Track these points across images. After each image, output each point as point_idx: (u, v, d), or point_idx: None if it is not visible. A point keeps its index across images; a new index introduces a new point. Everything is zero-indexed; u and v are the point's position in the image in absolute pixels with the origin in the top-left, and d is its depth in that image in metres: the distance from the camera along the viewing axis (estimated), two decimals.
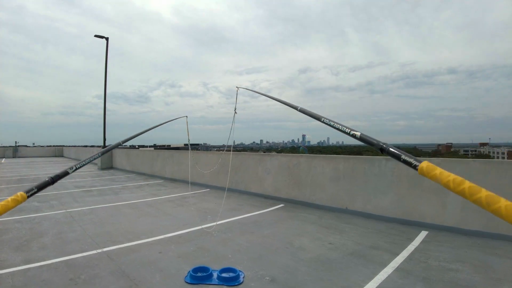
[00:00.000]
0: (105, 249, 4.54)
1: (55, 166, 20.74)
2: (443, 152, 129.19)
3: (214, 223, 5.61)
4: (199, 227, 5.58)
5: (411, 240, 4.91)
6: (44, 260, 4.12)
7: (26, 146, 43.45)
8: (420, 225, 5.60)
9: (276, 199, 7.96)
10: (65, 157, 32.84)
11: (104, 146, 18.77)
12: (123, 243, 4.80)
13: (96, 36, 18.24)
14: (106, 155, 18.13)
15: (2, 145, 37.24)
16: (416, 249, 4.50)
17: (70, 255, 4.31)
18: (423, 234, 5.21)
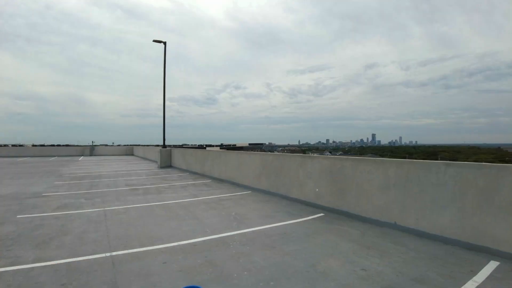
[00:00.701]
0: (114, 253, 4.34)
1: (120, 164, 22.03)
2: None
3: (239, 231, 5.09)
4: (218, 235, 5.07)
5: (474, 273, 3.70)
6: (52, 260, 4.09)
7: (106, 145, 47.83)
8: (491, 253, 4.28)
9: (316, 207, 7.07)
10: (135, 155, 35.10)
11: (164, 146, 19.36)
12: (135, 248, 4.54)
13: (154, 41, 18.83)
14: (166, 154, 18.70)
15: (83, 144, 41.28)
16: None
17: (78, 256, 4.21)
18: (492, 265, 3.92)
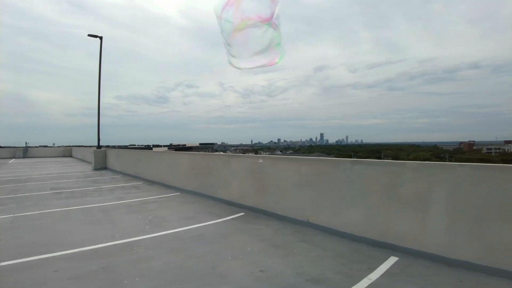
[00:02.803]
0: (3, 263, 3.95)
1: (54, 166, 20.61)
2: (466, 150, 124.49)
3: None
4: (127, 240, 4.89)
5: (371, 270, 3.76)
6: None
7: (45, 146, 44.31)
8: (393, 249, 4.41)
9: (240, 207, 7.06)
10: (73, 157, 32.92)
11: (99, 146, 18.42)
12: (31, 256, 4.21)
13: (89, 35, 17.84)
14: (100, 155, 17.78)
15: (14, 146, 37.91)
16: (372, 286, 3.40)
17: None
18: (391, 261, 4.02)
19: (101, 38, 18.03)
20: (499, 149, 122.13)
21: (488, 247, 3.67)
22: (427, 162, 4.53)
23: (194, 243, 4.78)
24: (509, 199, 3.56)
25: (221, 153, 9.39)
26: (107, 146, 18.58)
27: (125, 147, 45.27)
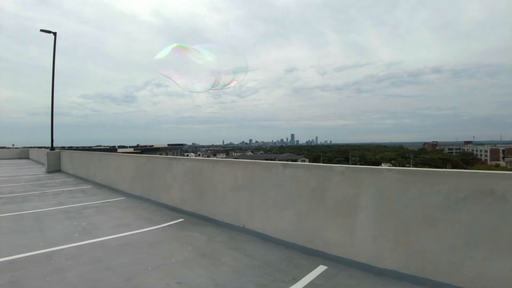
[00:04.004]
0: None
1: (5, 169, 19.62)
2: (429, 150, 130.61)
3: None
4: (48, 250, 4.63)
5: (295, 281, 3.62)
6: None
7: (3, 147, 41.74)
8: (323, 257, 4.30)
9: (181, 212, 6.89)
10: (30, 159, 31.29)
11: (52, 148, 17.63)
12: None
13: (42, 30, 16.94)
14: (54, 157, 17.02)
15: None
16: None
17: None
18: (318, 271, 3.89)
19: (55, 34, 17.20)
20: (459, 149, 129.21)
21: (413, 255, 3.60)
22: (354, 166, 4.39)
23: (118, 253, 4.57)
24: (430, 205, 3.52)
25: (164, 156, 9.18)
26: (70, 148, 17.83)
27: (89, 148, 43.51)
